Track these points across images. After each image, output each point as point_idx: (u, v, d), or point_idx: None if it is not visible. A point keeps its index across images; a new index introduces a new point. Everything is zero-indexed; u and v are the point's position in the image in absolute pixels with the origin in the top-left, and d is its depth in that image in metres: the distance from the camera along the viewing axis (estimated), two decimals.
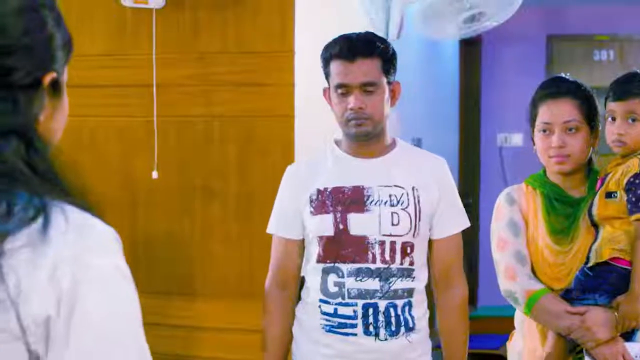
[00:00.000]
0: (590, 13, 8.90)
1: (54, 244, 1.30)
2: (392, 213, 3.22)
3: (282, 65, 4.32)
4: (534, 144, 3.35)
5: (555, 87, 3.31)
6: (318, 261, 3.27)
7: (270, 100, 4.37)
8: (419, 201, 3.25)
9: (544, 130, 3.26)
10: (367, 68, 3.19)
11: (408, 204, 3.24)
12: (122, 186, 4.64)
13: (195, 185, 4.52)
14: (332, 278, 3.24)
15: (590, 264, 3.11)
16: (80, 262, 1.31)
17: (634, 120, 3.15)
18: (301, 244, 3.38)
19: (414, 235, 3.24)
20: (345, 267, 3.22)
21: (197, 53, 4.49)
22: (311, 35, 4.35)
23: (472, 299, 7.91)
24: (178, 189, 4.56)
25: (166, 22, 4.50)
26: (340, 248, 3.22)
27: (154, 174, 4.49)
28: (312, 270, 3.32)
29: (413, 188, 3.26)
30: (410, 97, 6.44)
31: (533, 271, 3.26)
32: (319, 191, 3.28)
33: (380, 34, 5.20)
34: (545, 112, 3.27)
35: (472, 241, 7.69)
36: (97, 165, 4.67)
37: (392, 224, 3.21)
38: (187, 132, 4.53)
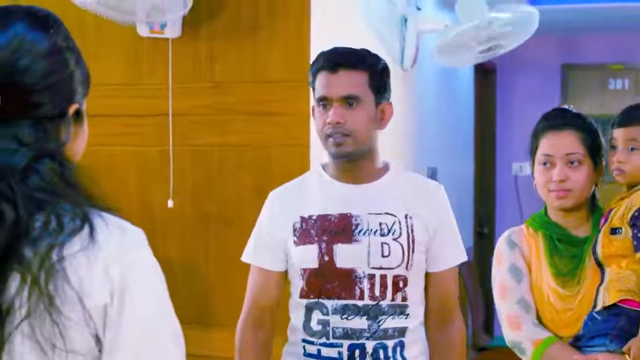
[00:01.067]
0: (604, 42, 8.91)
1: (103, 246, 1.61)
2: (382, 243, 2.93)
3: (297, 95, 4.33)
4: (534, 179, 3.20)
5: (557, 119, 3.18)
6: (301, 296, 2.99)
7: (286, 129, 4.37)
8: (412, 230, 2.96)
9: (545, 163, 3.11)
10: (349, 80, 2.93)
11: (400, 234, 2.94)
12: (138, 215, 4.65)
13: (211, 214, 4.53)
14: (316, 315, 2.95)
15: (598, 307, 2.94)
16: (125, 259, 1.63)
17: (632, 149, 3.04)
18: (281, 277, 3.09)
19: (407, 267, 2.94)
20: (330, 304, 2.92)
21: (213, 82, 4.51)
22: None
23: (489, 328, 7.86)
24: (193, 218, 4.56)
25: (182, 52, 4.52)
26: (325, 282, 2.93)
27: (170, 203, 4.49)
28: (295, 306, 3.04)
29: (406, 216, 2.96)
30: (425, 127, 6.45)
31: (539, 318, 3.09)
32: (302, 219, 3.00)
33: (396, 62, 5.23)
34: (546, 144, 3.13)
35: (488, 269, 7.66)
36: (113, 193, 4.64)
37: (383, 256, 2.92)
38: (203, 161, 4.54)
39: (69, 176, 1.66)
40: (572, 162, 3.08)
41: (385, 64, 3.06)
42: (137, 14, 4.25)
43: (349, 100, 2.92)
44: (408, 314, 2.96)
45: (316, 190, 3.07)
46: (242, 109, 4.46)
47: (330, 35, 4.45)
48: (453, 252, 3.10)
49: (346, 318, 2.91)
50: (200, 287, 4.56)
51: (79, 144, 1.77)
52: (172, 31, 4.38)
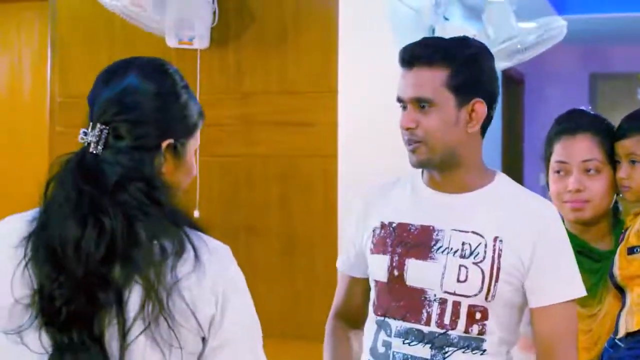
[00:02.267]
0: (633, 51, 8.88)
1: (207, 266, 1.91)
2: (460, 266, 2.49)
3: (325, 104, 4.33)
4: (548, 189, 2.91)
5: (571, 122, 2.86)
6: (373, 310, 2.64)
7: (314, 139, 4.37)
8: (499, 256, 2.48)
9: (559, 171, 2.82)
10: (421, 79, 2.51)
11: (484, 258, 2.48)
12: None
13: (238, 224, 4.53)
14: (381, 336, 2.59)
15: (621, 334, 2.65)
16: (226, 277, 1.97)
17: (634, 162, 2.77)
18: (368, 284, 2.73)
19: (486, 298, 2.48)
20: (394, 324, 2.55)
21: (241, 93, 4.52)
22: (354, 75, 4.36)
23: None
24: (221, 228, 4.56)
25: (210, 63, 4.53)
26: (392, 299, 2.56)
27: (196, 213, 4.50)
28: (369, 320, 2.69)
29: (496, 238, 2.49)
30: None
31: None
32: (382, 225, 2.63)
33: None
34: (560, 150, 2.82)
35: None
36: None
37: (458, 280, 2.48)
38: (230, 171, 4.54)
39: (161, 199, 1.91)
40: (588, 170, 2.78)
41: (479, 54, 2.57)
42: (166, 25, 4.28)
43: (421, 103, 2.51)
44: (485, 351, 2.50)
45: (405, 195, 2.67)
46: (269, 120, 4.46)
47: (357, 45, 4.45)
48: (559, 285, 2.52)
49: (408, 343, 2.53)
50: None
51: (179, 175, 2.05)
52: (200, 42, 4.39)
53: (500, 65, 5.40)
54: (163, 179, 1.97)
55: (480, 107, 2.52)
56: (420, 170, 2.64)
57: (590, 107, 3.00)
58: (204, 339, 1.91)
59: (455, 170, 2.56)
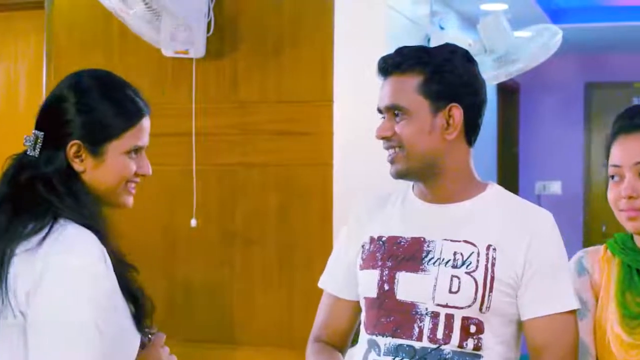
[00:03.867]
0: (628, 60, 8.90)
1: (44, 247, 2.05)
2: (452, 276, 2.38)
3: (321, 114, 4.33)
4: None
5: (626, 119, 2.49)
6: (364, 329, 2.52)
7: (310, 149, 4.38)
8: (493, 264, 2.37)
9: (613, 176, 2.47)
10: (395, 87, 2.45)
11: (476, 267, 2.37)
12: (162, 234, 4.66)
13: (235, 233, 4.53)
14: (371, 355, 2.46)
15: None
16: (54, 261, 2.03)
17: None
18: (356, 307, 2.62)
19: (481, 309, 2.36)
20: (382, 342, 2.43)
21: (237, 102, 4.52)
22: (350, 84, 4.37)
23: None
24: (218, 237, 4.57)
25: (206, 72, 4.53)
26: (381, 315, 2.44)
27: (193, 222, 4.50)
28: (360, 341, 2.56)
29: (489, 247, 2.39)
30: None
31: None
32: (372, 239, 2.54)
33: None
34: (615, 152, 2.47)
35: None
36: (137, 212, 4.67)
37: (450, 291, 2.37)
38: (227, 180, 4.54)
39: (61, 194, 2.14)
40: None
41: (454, 58, 2.48)
42: (162, 34, 4.28)
43: (395, 111, 2.44)
44: None
45: (395, 209, 2.57)
46: (265, 129, 4.46)
47: (353, 54, 4.46)
48: (553, 297, 2.40)
49: None
50: (224, 306, 4.56)
51: (99, 175, 2.24)
52: (196, 52, 4.40)
53: (495, 76, 5.41)
54: (68, 177, 2.19)
55: (457, 113, 2.44)
56: (411, 183, 2.58)
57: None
58: (23, 314, 2.04)
59: (440, 180, 2.48)
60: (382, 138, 2.46)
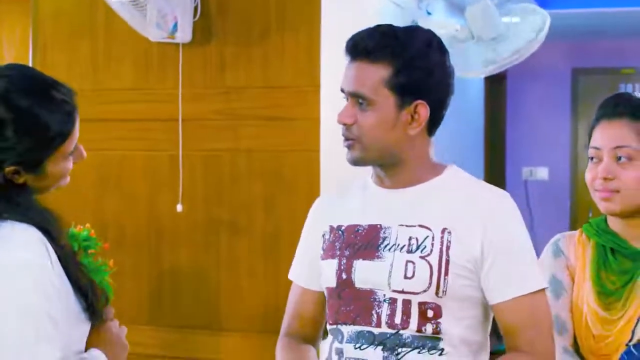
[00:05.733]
0: (615, 46, 8.90)
1: None
2: (407, 262, 2.34)
3: (308, 100, 4.33)
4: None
5: (610, 106, 2.60)
6: (328, 320, 2.50)
7: (296, 135, 4.37)
8: (448, 248, 2.33)
9: (592, 158, 2.58)
10: (362, 75, 2.36)
11: (431, 251, 2.33)
12: (147, 219, 4.66)
13: (221, 219, 4.53)
14: (335, 344, 2.44)
15: (635, 340, 2.48)
16: None
17: (620, 158, 2.56)
18: (323, 297, 2.57)
19: (437, 293, 2.32)
20: (345, 330, 2.40)
21: (224, 88, 4.51)
22: (337, 70, 4.34)
23: (499, 332, 7.81)
24: (203, 223, 4.56)
25: (193, 57, 4.52)
26: (342, 304, 2.41)
27: (179, 207, 4.50)
28: (328, 332, 2.53)
29: (444, 230, 2.34)
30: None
31: (576, 343, 2.58)
32: (331, 229, 2.50)
33: None
34: (596, 135, 2.58)
35: None
36: (123, 198, 4.70)
37: (405, 277, 2.33)
38: (213, 166, 4.54)
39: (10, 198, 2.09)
40: (619, 158, 2.53)
41: (427, 51, 2.38)
42: (147, 19, 4.27)
43: (359, 100, 2.36)
44: (443, 350, 2.34)
45: (355, 196, 2.52)
46: (252, 114, 4.46)
47: (340, 40, 4.45)
48: (518, 279, 2.35)
49: (359, 348, 2.37)
50: (210, 293, 4.55)
51: (41, 182, 2.16)
52: (183, 37, 4.38)
53: (485, 63, 5.39)
54: (9, 188, 2.11)
55: (423, 110, 2.36)
56: (372, 171, 2.51)
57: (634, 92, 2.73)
58: None
59: (398, 167, 2.41)
60: (344, 124, 2.38)
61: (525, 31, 5.21)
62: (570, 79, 9.18)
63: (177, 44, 4.47)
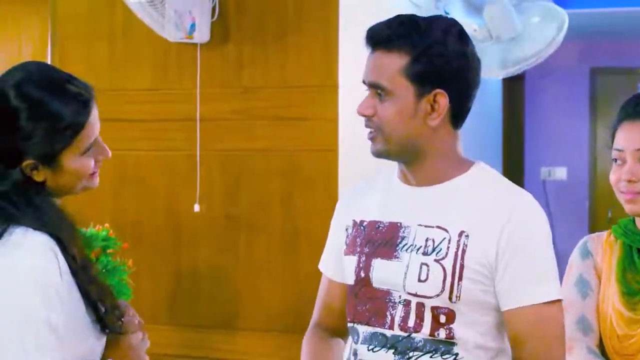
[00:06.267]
0: (633, 46, 8.86)
1: None
2: (421, 264, 2.27)
3: (325, 99, 4.33)
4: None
5: (630, 106, 2.57)
6: (347, 317, 2.45)
7: (314, 134, 4.37)
8: (463, 252, 2.24)
9: (616, 160, 2.54)
10: (379, 65, 2.30)
11: (446, 255, 2.25)
12: (166, 219, 4.66)
13: (239, 218, 4.53)
14: (351, 343, 2.40)
15: None
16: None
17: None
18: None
19: (450, 298, 2.24)
20: (361, 330, 2.36)
21: (241, 87, 4.51)
22: (355, 69, 4.35)
23: None
24: (221, 223, 4.57)
25: (210, 57, 4.53)
26: (358, 303, 2.37)
27: (196, 207, 4.50)
28: None
29: (461, 233, 2.26)
30: None
31: (601, 342, 2.54)
32: (354, 224, 2.44)
33: None
34: (619, 137, 2.54)
35: None
36: (141, 197, 4.71)
37: (419, 280, 2.26)
38: (230, 165, 4.54)
39: (19, 205, 2.07)
40: None
41: (446, 39, 2.31)
42: (166, 19, 4.28)
43: (378, 90, 2.30)
44: (457, 355, 2.27)
45: (379, 191, 2.45)
46: (270, 114, 4.46)
47: (358, 38, 4.45)
48: (531, 286, 2.25)
49: (372, 350, 2.33)
50: (227, 291, 4.56)
51: (61, 180, 2.14)
52: (201, 37, 4.39)
53: (503, 64, 5.38)
54: (27, 188, 2.11)
55: (443, 100, 2.28)
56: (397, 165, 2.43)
57: None
58: None
59: (421, 161, 2.33)
60: (363, 116, 2.32)
61: (543, 31, 5.20)
62: (589, 79, 9.15)
63: (195, 44, 4.47)
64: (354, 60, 4.37)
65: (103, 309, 2.11)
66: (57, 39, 4.86)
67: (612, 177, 2.54)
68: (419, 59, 2.26)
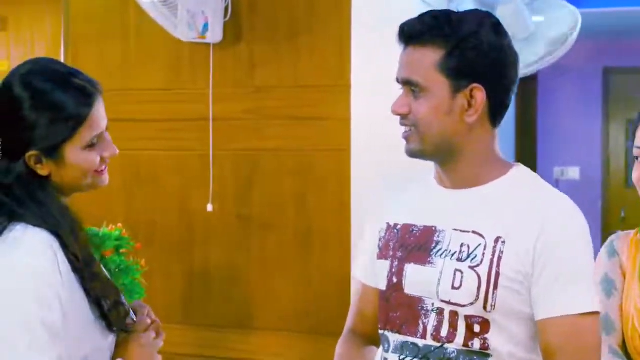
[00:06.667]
0: None
1: None
2: (455, 271, 2.16)
3: (338, 99, 4.33)
4: None
5: None
6: (378, 324, 2.36)
7: (327, 134, 4.37)
8: (499, 259, 2.13)
9: (637, 158, 2.48)
10: (413, 61, 2.21)
11: (481, 262, 2.14)
12: (178, 219, 4.67)
13: (252, 218, 4.54)
14: (383, 353, 2.31)
15: None
16: None
17: None
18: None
19: (485, 307, 2.13)
20: (392, 338, 2.27)
21: (254, 87, 4.52)
22: (367, 68, 4.35)
23: None
24: (234, 223, 4.57)
25: (223, 57, 4.53)
26: (389, 310, 2.27)
27: (209, 207, 4.51)
28: None
29: (497, 239, 2.15)
30: None
31: (624, 342, 2.49)
32: (388, 226, 2.35)
33: None
34: (639, 135, 2.49)
35: None
36: (154, 197, 4.71)
37: (453, 287, 2.16)
38: (243, 165, 4.55)
39: (21, 199, 2.08)
40: None
41: (480, 31, 2.20)
42: (179, 19, 4.28)
43: (412, 87, 2.20)
44: None
45: (415, 193, 2.36)
46: (282, 114, 4.46)
47: (370, 38, 4.45)
48: (567, 296, 2.12)
49: None
50: (240, 291, 4.56)
51: (64, 173, 2.13)
52: (213, 37, 4.39)
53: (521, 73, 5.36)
54: (31, 182, 2.11)
55: (480, 94, 2.18)
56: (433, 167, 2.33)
57: None
58: None
59: (457, 162, 2.24)
60: (397, 114, 2.22)
61: (557, 31, 5.19)
62: (602, 78, 9.12)
63: (207, 44, 4.48)
64: (366, 60, 4.37)
65: (107, 306, 2.10)
66: (70, 39, 4.87)
67: (634, 175, 2.48)
68: (453, 52, 2.17)
